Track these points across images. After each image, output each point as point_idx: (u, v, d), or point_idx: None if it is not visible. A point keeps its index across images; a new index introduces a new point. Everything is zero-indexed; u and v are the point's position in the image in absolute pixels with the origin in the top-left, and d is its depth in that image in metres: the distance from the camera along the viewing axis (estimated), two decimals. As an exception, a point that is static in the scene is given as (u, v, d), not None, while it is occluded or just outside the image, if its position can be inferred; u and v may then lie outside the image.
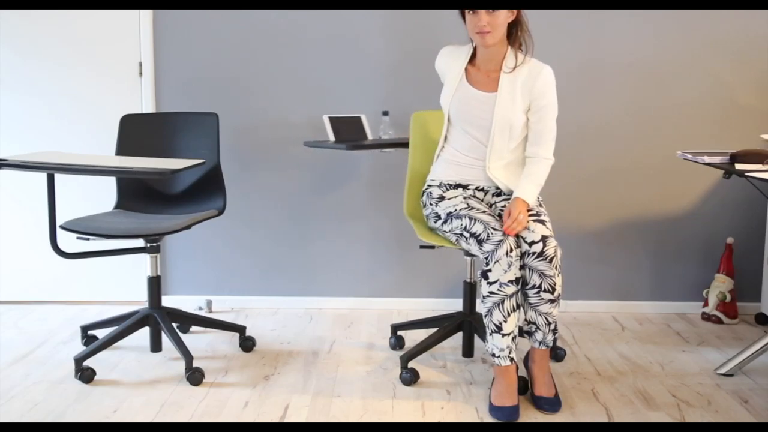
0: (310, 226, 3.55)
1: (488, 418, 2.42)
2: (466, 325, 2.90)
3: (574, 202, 3.50)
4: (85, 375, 2.68)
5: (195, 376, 2.68)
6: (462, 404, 2.53)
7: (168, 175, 2.71)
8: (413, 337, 3.08)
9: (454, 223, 2.53)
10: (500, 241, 2.39)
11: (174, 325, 2.91)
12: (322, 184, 3.52)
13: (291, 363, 2.90)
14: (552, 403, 2.47)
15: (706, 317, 3.46)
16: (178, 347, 2.74)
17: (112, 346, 2.91)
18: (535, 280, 2.43)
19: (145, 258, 2.99)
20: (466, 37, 2.62)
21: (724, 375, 2.77)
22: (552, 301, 2.45)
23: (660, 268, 3.56)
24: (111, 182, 3.16)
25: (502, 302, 2.41)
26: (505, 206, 2.59)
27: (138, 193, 3.08)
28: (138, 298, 3.54)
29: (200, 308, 3.56)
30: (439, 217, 2.62)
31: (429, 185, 2.73)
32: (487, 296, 2.43)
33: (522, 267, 2.44)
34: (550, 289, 2.43)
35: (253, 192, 3.52)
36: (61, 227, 2.69)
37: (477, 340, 2.92)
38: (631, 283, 3.57)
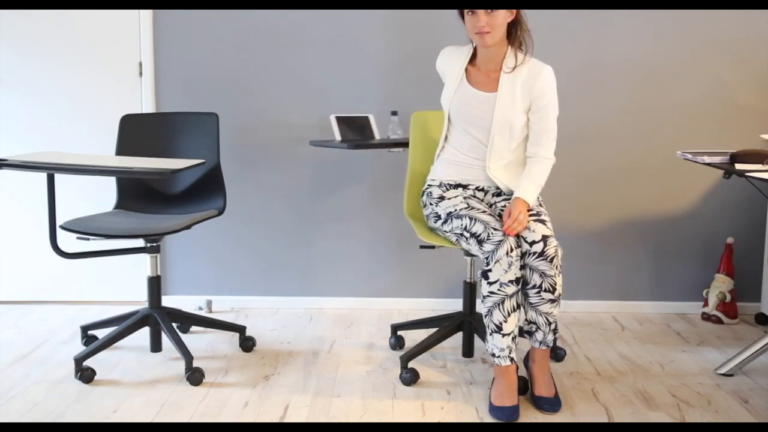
0: (311, 226, 3.55)
1: (488, 418, 2.42)
2: (466, 325, 2.90)
3: (574, 202, 3.50)
4: (85, 375, 2.68)
5: (195, 376, 2.68)
6: (462, 404, 2.53)
7: (168, 175, 2.71)
8: (413, 337, 3.08)
9: (455, 223, 2.53)
10: (500, 241, 2.39)
11: (174, 325, 2.91)
12: (322, 184, 3.52)
13: (291, 363, 2.90)
14: (552, 403, 2.47)
15: (706, 317, 3.46)
16: (178, 347, 2.74)
17: (112, 346, 2.91)
18: (535, 279, 2.43)
19: (145, 258, 2.99)
20: (466, 37, 2.62)
21: (724, 375, 2.77)
22: (552, 301, 2.45)
23: (660, 268, 3.56)
24: (111, 182, 3.16)
25: (503, 302, 2.41)
26: (505, 206, 2.59)
27: (138, 193, 3.08)
28: (138, 298, 3.54)
29: (200, 308, 3.56)
30: (439, 216, 2.62)
31: (429, 185, 2.73)
32: (488, 296, 2.43)
33: (522, 267, 2.44)
34: (551, 288, 2.43)
35: (253, 192, 3.52)
36: (61, 227, 2.69)
37: (477, 340, 2.92)
38: (631, 283, 3.57)
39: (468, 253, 2.73)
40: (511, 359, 2.45)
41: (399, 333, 3.09)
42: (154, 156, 3.06)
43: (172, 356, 2.93)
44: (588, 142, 3.47)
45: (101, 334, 2.95)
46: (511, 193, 2.59)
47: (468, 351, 2.95)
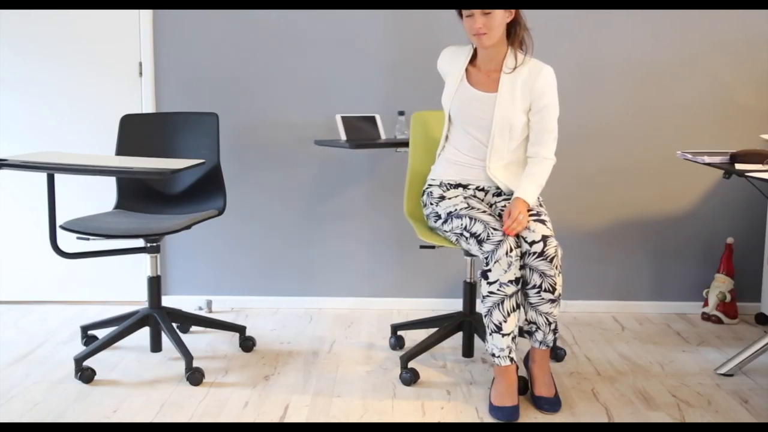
0: (311, 225, 3.55)
1: (488, 418, 2.42)
2: (466, 325, 2.90)
3: (574, 202, 3.50)
4: (85, 375, 2.68)
5: (195, 376, 2.68)
6: (462, 404, 2.53)
7: (168, 175, 2.71)
8: (413, 337, 3.08)
9: (455, 222, 2.53)
10: (500, 241, 2.39)
11: (174, 325, 2.91)
12: (322, 184, 3.52)
13: (291, 363, 2.90)
14: (552, 403, 2.47)
15: (706, 317, 3.46)
16: (178, 347, 2.74)
17: (112, 346, 2.91)
18: (535, 279, 2.43)
19: (145, 258, 2.99)
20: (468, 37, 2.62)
21: (724, 375, 2.77)
22: (552, 301, 2.45)
23: (660, 268, 3.56)
24: (111, 182, 3.16)
25: (502, 302, 2.41)
26: (505, 206, 2.59)
27: (138, 193, 3.08)
28: (138, 298, 3.54)
29: (200, 308, 3.56)
30: (439, 216, 2.62)
31: (430, 185, 2.73)
32: (487, 296, 2.43)
33: (522, 267, 2.44)
34: (551, 288, 2.43)
35: (253, 192, 3.52)
36: (61, 227, 2.69)
37: (477, 340, 2.92)
38: (631, 283, 3.57)
39: (468, 253, 2.73)
40: (511, 359, 2.45)
41: (399, 333, 3.09)
42: (154, 156, 3.06)
43: (172, 356, 2.93)
44: (588, 142, 3.47)
45: (101, 334, 2.95)
46: (511, 193, 2.59)
47: (468, 351, 2.95)
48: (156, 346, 2.98)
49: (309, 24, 3.40)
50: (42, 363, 2.87)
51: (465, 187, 2.67)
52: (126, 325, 2.85)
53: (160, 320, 2.86)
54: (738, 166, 2.66)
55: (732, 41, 3.40)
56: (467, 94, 2.61)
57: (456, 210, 2.55)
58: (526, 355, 2.63)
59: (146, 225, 2.75)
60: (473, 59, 2.65)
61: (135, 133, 3.12)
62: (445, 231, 2.59)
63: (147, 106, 3.44)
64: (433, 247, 2.70)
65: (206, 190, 3.05)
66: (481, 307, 2.49)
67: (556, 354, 2.92)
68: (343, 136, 3.12)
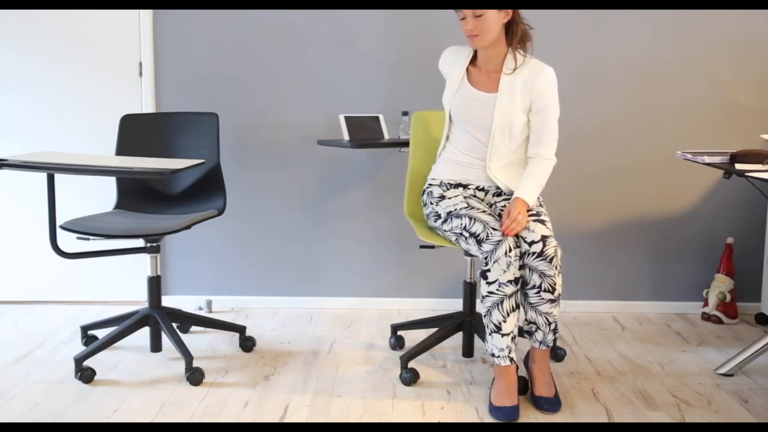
0: (311, 225, 3.55)
1: (488, 418, 2.42)
2: (466, 325, 2.90)
3: (574, 202, 3.50)
4: (85, 375, 2.68)
5: (195, 376, 2.68)
6: (462, 404, 2.53)
7: (168, 175, 2.71)
8: (413, 337, 3.08)
9: (454, 222, 2.53)
10: (499, 241, 2.39)
11: (174, 325, 2.91)
12: (323, 184, 3.52)
13: (291, 363, 2.90)
14: (552, 403, 2.47)
15: (706, 317, 3.46)
16: (178, 347, 2.74)
17: (112, 346, 2.91)
18: (535, 280, 2.43)
19: (145, 258, 2.99)
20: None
21: (724, 375, 2.77)
22: (552, 301, 2.45)
23: (660, 268, 3.56)
24: (111, 182, 3.16)
25: (501, 302, 2.41)
26: (505, 206, 2.59)
27: (138, 193, 3.08)
28: (138, 298, 3.54)
29: (200, 308, 3.56)
30: (439, 216, 2.62)
31: (430, 184, 2.73)
32: (487, 296, 2.43)
33: (522, 267, 2.44)
34: (550, 289, 2.43)
35: (253, 192, 3.52)
36: (61, 227, 2.69)
37: (477, 340, 2.92)
38: (631, 283, 3.57)
39: (468, 253, 2.73)
40: (511, 359, 2.45)
41: (399, 333, 3.09)
42: (154, 156, 3.06)
43: (172, 356, 2.93)
44: (588, 142, 3.46)
45: (101, 334, 2.95)
46: (511, 193, 2.59)
47: (468, 351, 2.95)
48: (156, 346, 2.98)
49: (309, 24, 3.40)
50: (42, 363, 2.87)
51: (465, 186, 2.67)
52: (126, 325, 2.85)
53: (160, 320, 2.86)
54: (738, 166, 2.66)
55: (732, 41, 3.40)
56: (468, 93, 2.61)
57: (456, 210, 2.55)
58: (526, 355, 2.63)
59: (146, 225, 2.75)
60: (474, 59, 2.65)
61: (135, 133, 3.12)
62: (444, 231, 2.59)
63: (147, 106, 3.44)
64: (432, 247, 2.70)
65: (206, 190, 3.05)
66: (480, 307, 2.49)
67: (556, 354, 2.92)
68: (346, 136, 3.12)
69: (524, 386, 2.56)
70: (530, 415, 2.45)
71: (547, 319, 2.48)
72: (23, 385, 2.65)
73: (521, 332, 2.59)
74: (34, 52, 3.43)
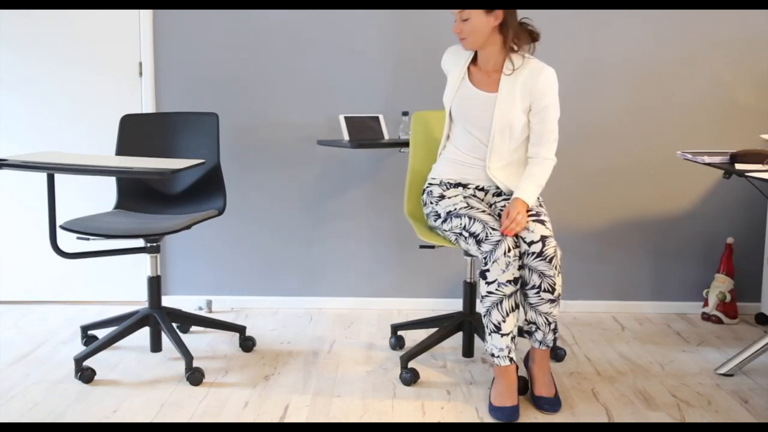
0: (311, 225, 3.55)
1: (488, 418, 2.42)
2: (466, 325, 2.90)
3: (574, 202, 3.50)
4: (85, 375, 2.68)
5: (195, 376, 2.68)
6: (462, 404, 2.53)
7: (168, 175, 2.71)
8: (413, 337, 3.08)
9: (454, 222, 2.53)
10: (498, 241, 2.39)
11: (174, 325, 2.91)
12: (323, 184, 3.52)
13: (291, 363, 2.90)
14: (552, 403, 2.47)
15: (706, 317, 3.46)
16: (178, 347, 2.74)
17: (112, 346, 2.91)
18: (534, 280, 2.43)
19: (145, 258, 2.99)
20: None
21: (724, 375, 2.77)
22: (552, 301, 2.45)
23: (660, 268, 3.56)
24: (111, 182, 3.16)
25: (501, 302, 2.41)
26: (505, 206, 2.59)
27: (138, 193, 3.08)
28: (138, 298, 3.54)
29: (200, 308, 3.56)
30: (438, 215, 2.62)
31: (430, 184, 2.73)
32: (486, 296, 2.43)
33: (522, 267, 2.44)
34: (550, 289, 2.43)
35: (253, 192, 3.52)
36: (61, 227, 2.69)
37: (477, 340, 2.92)
38: (631, 283, 3.57)
39: (467, 253, 2.73)
40: (511, 359, 2.45)
41: (399, 333, 3.09)
42: (154, 156, 3.06)
43: (172, 356, 2.93)
44: (588, 142, 3.47)
45: (101, 334, 2.95)
46: (511, 193, 2.59)
47: (468, 351, 2.95)
48: (156, 346, 2.98)
49: (309, 24, 3.40)
50: (42, 363, 2.87)
51: (465, 186, 2.67)
52: (126, 325, 2.85)
53: (160, 320, 2.86)
54: (738, 166, 2.66)
55: (732, 41, 3.40)
56: (468, 93, 2.61)
57: (455, 209, 2.55)
58: (526, 355, 2.63)
59: (146, 225, 2.75)
60: (475, 58, 2.65)
61: (135, 133, 3.13)
62: (444, 230, 2.59)
63: (147, 106, 3.44)
64: (432, 246, 2.70)
65: (206, 190, 3.05)
66: (480, 307, 2.49)
67: (556, 354, 2.92)
68: (346, 136, 3.12)
69: (524, 386, 2.56)
70: (530, 415, 2.45)
71: (546, 319, 2.48)
72: (23, 385, 2.65)
73: (521, 332, 2.58)
74: (34, 52, 3.43)
